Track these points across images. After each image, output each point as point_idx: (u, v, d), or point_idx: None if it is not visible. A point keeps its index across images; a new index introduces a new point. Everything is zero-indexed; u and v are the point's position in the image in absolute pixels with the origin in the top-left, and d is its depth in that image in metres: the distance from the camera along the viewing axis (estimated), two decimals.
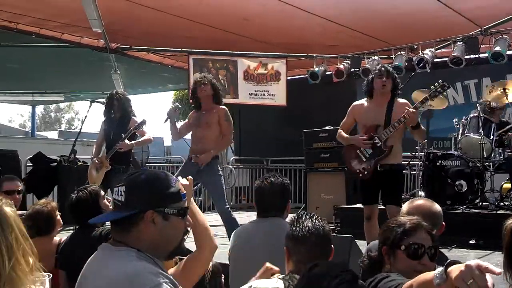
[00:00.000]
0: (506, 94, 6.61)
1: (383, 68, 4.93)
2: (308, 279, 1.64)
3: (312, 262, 2.07)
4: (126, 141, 5.95)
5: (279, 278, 2.12)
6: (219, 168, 5.70)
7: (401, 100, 4.90)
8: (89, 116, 7.52)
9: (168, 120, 5.64)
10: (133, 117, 6.23)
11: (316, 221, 2.17)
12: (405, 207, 2.63)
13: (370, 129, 4.89)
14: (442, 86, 4.81)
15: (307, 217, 2.19)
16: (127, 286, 1.61)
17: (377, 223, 4.67)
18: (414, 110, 4.66)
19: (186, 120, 5.86)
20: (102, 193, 3.43)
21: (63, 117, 45.22)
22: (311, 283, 1.62)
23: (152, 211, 1.72)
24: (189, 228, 1.90)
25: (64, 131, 27.34)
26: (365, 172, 4.86)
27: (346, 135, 5.03)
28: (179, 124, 5.98)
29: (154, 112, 62.65)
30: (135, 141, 6.13)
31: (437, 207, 2.63)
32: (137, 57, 10.50)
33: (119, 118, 6.24)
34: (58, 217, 3.48)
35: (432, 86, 4.88)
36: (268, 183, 2.96)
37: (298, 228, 2.15)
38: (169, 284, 1.65)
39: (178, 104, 5.59)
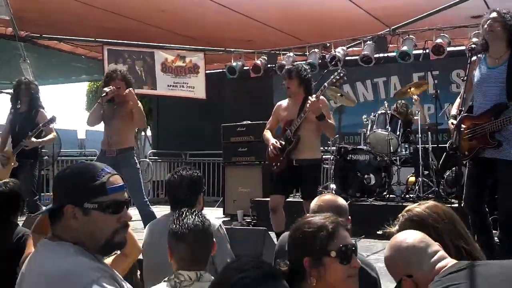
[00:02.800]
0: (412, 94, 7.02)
1: (283, 71, 5.13)
2: (222, 273, 1.63)
3: (192, 258, 2.14)
4: (33, 138, 5.74)
5: (164, 280, 2.14)
6: (137, 161, 5.61)
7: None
8: None
9: (105, 98, 5.36)
10: (41, 110, 6.01)
11: (196, 218, 2.20)
12: (313, 202, 2.73)
13: (286, 124, 5.08)
14: (339, 73, 4.99)
15: (187, 214, 2.22)
16: (64, 282, 1.57)
17: (283, 213, 4.86)
18: (315, 99, 4.80)
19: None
20: None
21: None
22: (222, 277, 1.61)
23: (71, 205, 1.69)
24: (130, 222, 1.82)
25: None
26: (278, 164, 5.02)
27: (267, 136, 5.20)
28: None
29: (66, 104, 60.07)
30: (41, 140, 5.96)
31: (342, 200, 2.75)
32: (47, 46, 10.03)
33: (27, 109, 6.01)
34: None
35: (332, 76, 5.07)
36: (177, 176, 2.97)
37: (178, 226, 2.18)
38: (108, 278, 1.62)
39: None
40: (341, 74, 4.99)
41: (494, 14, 3.83)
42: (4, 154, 5.89)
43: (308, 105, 4.80)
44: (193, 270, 2.13)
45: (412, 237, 1.88)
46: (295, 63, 5.19)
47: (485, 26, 3.84)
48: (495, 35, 3.81)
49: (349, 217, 2.70)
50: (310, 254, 1.86)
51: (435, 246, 1.86)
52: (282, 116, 5.18)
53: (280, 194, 5.02)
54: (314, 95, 4.90)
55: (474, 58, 4.02)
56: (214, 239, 2.28)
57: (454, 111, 4.12)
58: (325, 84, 4.99)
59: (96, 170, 1.76)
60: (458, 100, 4.12)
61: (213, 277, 2.17)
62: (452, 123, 3.99)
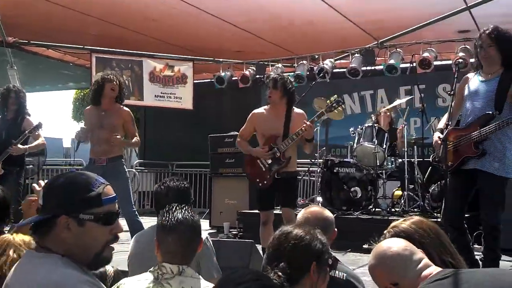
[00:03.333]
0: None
1: (268, 80, 5.13)
2: (219, 285, 1.63)
3: (178, 251, 2.14)
4: (19, 145, 5.71)
5: (149, 270, 2.15)
6: (126, 170, 5.61)
7: (297, 111, 5.04)
8: None
9: (80, 142, 5.63)
10: (27, 117, 5.99)
11: (186, 212, 2.24)
12: (300, 213, 2.74)
13: (269, 139, 4.98)
14: (337, 101, 5.02)
15: (177, 208, 2.25)
16: None
17: (272, 227, 4.83)
18: (310, 123, 4.83)
19: (88, 125, 5.66)
20: None
21: None
22: (219, 286, 1.61)
23: (66, 216, 1.64)
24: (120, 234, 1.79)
25: None
26: (265, 182, 4.98)
27: (248, 146, 5.12)
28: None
29: (52, 112, 59.61)
30: (28, 146, 5.93)
31: (329, 213, 2.76)
32: (35, 53, 9.98)
33: (13, 117, 5.99)
34: None
35: (328, 101, 5.07)
36: (165, 187, 2.96)
37: (167, 218, 2.21)
38: None
39: (83, 126, 5.64)
40: (340, 102, 5.06)
41: (488, 39, 3.90)
42: None
43: (303, 128, 4.79)
44: (176, 263, 2.13)
45: (396, 245, 1.89)
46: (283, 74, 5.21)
47: (480, 50, 3.95)
48: (491, 59, 3.94)
49: (335, 229, 2.71)
50: (317, 259, 1.88)
51: (420, 253, 1.87)
52: (262, 128, 5.07)
53: (271, 210, 5.02)
54: (309, 120, 4.91)
55: (465, 76, 4.12)
56: (201, 237, 2.30)
57: (441, 125, 4.16)
58: (323, 110, 5.01)
59: (90, 180, 1.72)
60: (446, 116, 4.16)
61: (196, 273, 2.19)
62: (439, 137, 4.02)
